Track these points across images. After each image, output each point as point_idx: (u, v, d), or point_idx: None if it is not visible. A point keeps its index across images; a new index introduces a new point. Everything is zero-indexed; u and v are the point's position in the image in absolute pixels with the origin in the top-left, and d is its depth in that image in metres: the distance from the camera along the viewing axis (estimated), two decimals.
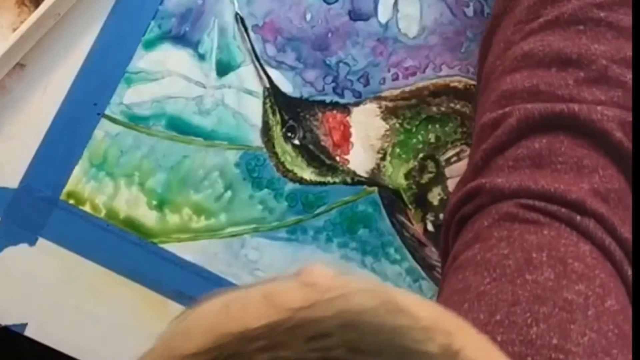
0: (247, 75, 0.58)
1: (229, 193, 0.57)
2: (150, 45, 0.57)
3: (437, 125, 0.61)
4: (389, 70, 0.60)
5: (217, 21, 0.58)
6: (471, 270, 0.42)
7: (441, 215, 0.60)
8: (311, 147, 0.59)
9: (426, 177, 0.60)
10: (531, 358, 0.38)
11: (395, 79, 0.60)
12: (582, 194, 0.43)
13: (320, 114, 0.59)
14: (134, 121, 0.56)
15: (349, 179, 0.59)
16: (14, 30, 0.52)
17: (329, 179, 0.59)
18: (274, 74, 0.59)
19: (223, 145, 0.57)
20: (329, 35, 0.60)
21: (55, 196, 0.55)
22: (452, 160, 0.61)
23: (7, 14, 0.55)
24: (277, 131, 0.58)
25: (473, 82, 0.61)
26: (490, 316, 0.40)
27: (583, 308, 0.39)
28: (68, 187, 0.55)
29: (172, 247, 0.56)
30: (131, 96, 0.56)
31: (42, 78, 0.55)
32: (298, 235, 0.58)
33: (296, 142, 0.58)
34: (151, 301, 0.55)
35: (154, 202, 0.56)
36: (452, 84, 0.61)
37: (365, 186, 0.59)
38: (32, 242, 0.55)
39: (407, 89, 0.60)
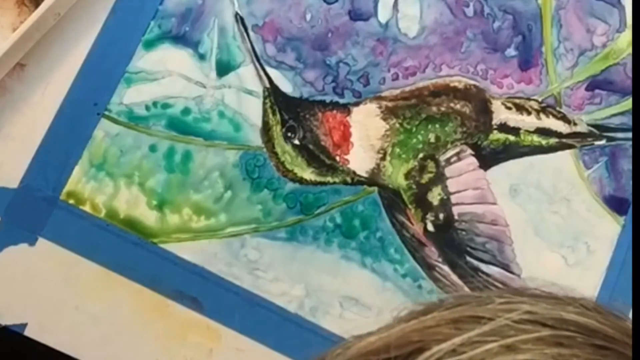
0: (247, 75, 0.58)
1: (228, 193, 0.57)
2: (150, 45, 0.57)
3: (437, 125, 0.61)
4: (389, 70, 0.60)
5: (217, 21, 0.58)
6: None
7: (441, 215, 0.60)
8: (311, 147, 0.59)
9: (426, 177, 0.60)
10: None
11: (395, 79, 0.60)
12: None
13: (320, 114, 0.59)
14: (134, 121, 0.56)
15: (349, 179, 0.59)
16: (14, 30, 0.52)
17: (329, 179, 0.59)
18: (274, 73, 0.59)
19: (223, 145, 0.57)
20: (329, 35, 0.60)
21: (55, 196, 0.55)
22: (452, 160, 0.61)
23: (7, 14, 0.55)
24: (277, 131, 0.58)
25: (473, 82, 0.61)
26: None
27: None
28: (68, 187, 0.55)
29: (172, 247, 0.56)
30: (131, 96, 0.56)
31: (42, 78, 0.55)
32: (298, 236, 0.58)
33: (296, 142, 0.58)
34: (151, 301, 0.55)
35: (154, 202, 0.56)
36: (452, 84, 0.61)
37: (365, 186, 0.59)
38: (32, 242, 0.54)
39: (407, 89, 0.60)
